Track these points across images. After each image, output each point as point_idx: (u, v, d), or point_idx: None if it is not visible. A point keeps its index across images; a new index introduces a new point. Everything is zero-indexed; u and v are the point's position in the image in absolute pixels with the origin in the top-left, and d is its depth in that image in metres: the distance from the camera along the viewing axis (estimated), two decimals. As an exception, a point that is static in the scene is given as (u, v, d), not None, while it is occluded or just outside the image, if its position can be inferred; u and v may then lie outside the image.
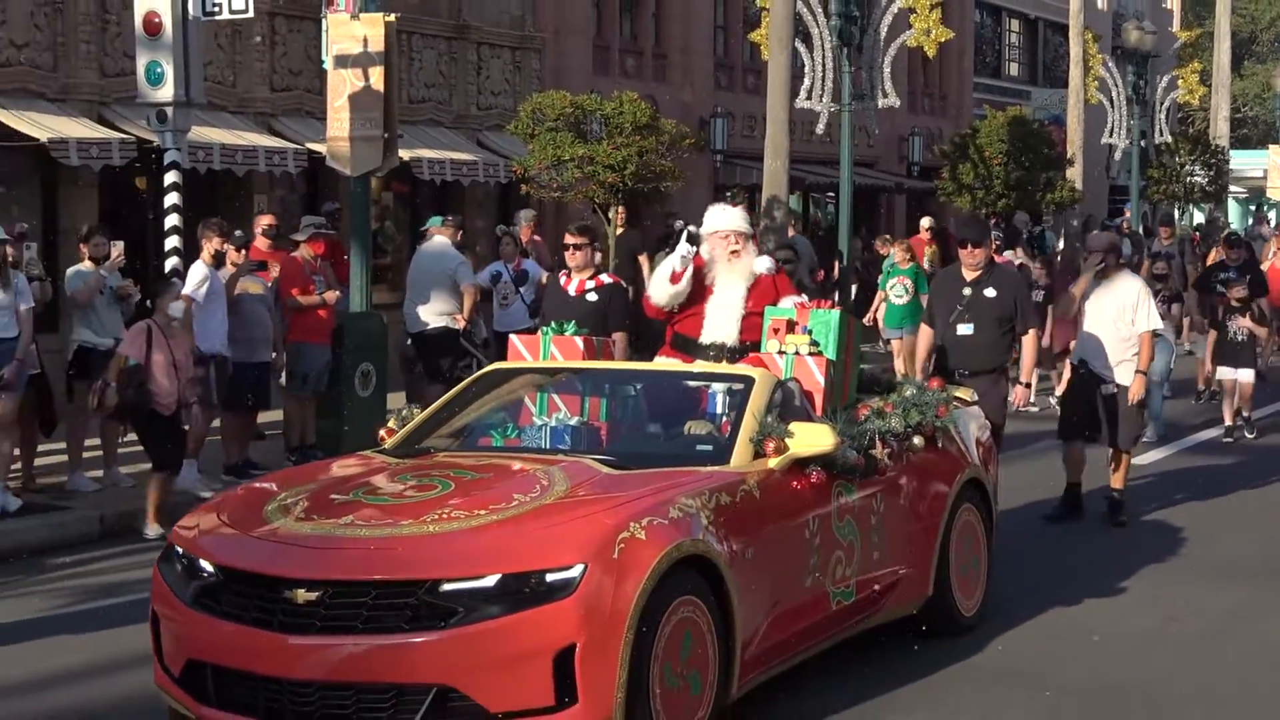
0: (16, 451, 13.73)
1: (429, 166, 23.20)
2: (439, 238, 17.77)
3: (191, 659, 7.42)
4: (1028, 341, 12.55)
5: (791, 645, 8.38)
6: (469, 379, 10.06)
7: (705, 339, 10.39)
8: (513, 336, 10.44)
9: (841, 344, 9.59)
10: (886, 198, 39.00)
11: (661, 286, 10.60)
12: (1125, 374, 13.18)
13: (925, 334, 12.77)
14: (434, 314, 17.17)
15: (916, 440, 9.45)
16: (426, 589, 7.01)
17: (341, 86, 16.10)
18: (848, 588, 8.81)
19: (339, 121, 16.18)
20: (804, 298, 10.33)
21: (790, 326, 9.57)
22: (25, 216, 17.88)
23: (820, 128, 26.72)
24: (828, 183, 32.90)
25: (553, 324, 10.33)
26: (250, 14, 15.65)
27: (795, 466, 8.41)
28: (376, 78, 15.95)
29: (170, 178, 15.33)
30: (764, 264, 10.65)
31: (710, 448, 8.65)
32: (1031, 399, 13.12)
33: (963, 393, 10.85)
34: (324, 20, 16.77)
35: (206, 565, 7.49)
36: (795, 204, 31.09)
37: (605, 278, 12.51)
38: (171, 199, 15.35)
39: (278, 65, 22.35)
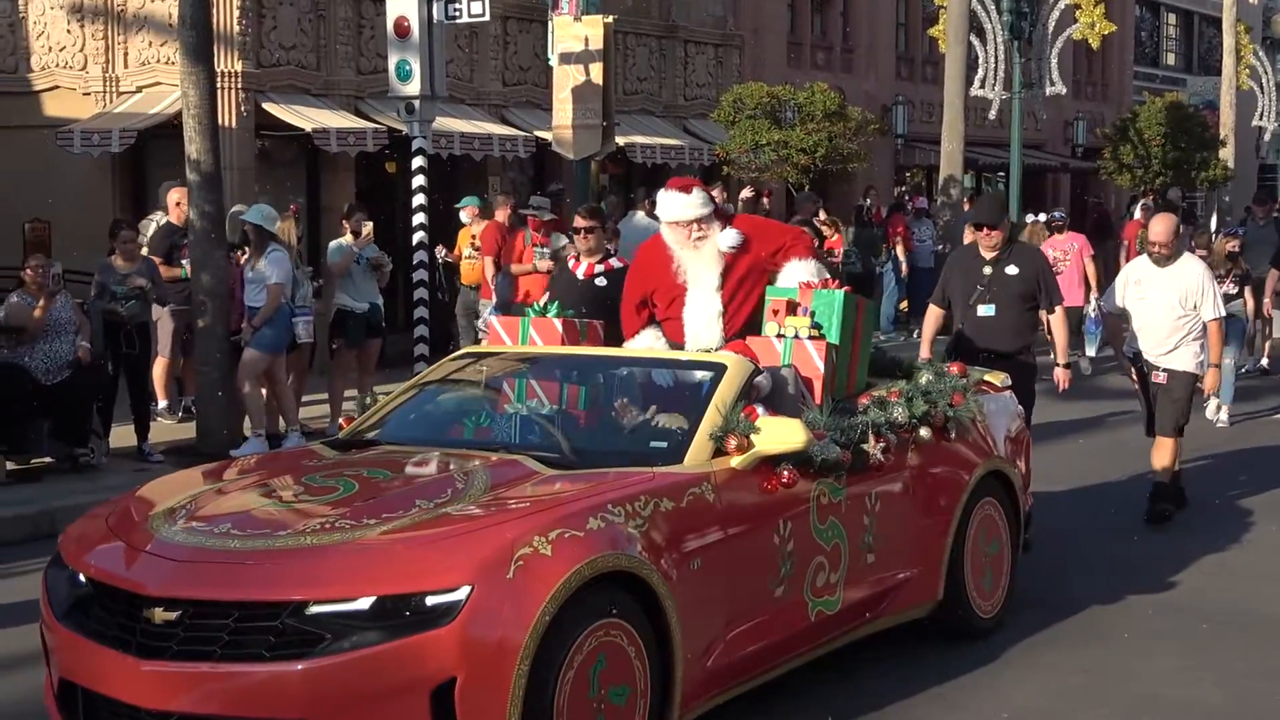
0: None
1: (641, 151, 23.27)
2: (639, 214, 17.83)
3: (63, 678, 6.00)
4: (1057, 320, 10.48)
5: (759, 661, 6.75)
6: (442, 361, 8.47)
7: (690, 346, 8.24)
8: (492, 318, 9.10)
9: (847, 327, 7.79)
10: (1052, 177, 38.33)
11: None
12: (1176, 360, 10.94)
13: (934, 315, 10.74)
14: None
15: (923, 432, 7.76)
16: (291, 611, 5.44)
17: (565, 80, 16.24)
18: (832, 596, 7.15)
19: (563, 111, 16.33)
20: (804, 267, 8.08)
21: (791, 307, 7.81)
22: (294, 196, 18.30)
23: (992, 113, 26.47)
24: (998, 163, 32.35)
25: (535, 305, 8.67)
26: (486, 18, 15.87)
27: (764, 465, 6.77)
28: (596, 72, 16.06)
29: (417, 162, 15.61)
30: (729, 239, 8.22)
31: (665, 444, 6.93)
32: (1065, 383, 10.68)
33: (994, 377, 9.02)
34: (550, 22, 16.92)
35: (81, 576, 6.05)
36: (969, 183, 30.67)
37: (615, 262, 10.53)
38: (418, 181, 15.62)
39: (509, 62, 22.53)
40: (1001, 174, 34.40)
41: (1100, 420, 15.53)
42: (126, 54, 19.38)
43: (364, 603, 5.44)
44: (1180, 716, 7.08)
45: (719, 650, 6.44)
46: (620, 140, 20.58)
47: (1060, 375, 10.54)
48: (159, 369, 14.11)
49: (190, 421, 13.77)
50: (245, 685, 5.43)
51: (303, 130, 18.74)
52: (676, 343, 8.28)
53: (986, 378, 8.93)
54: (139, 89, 19.20)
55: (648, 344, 8.36)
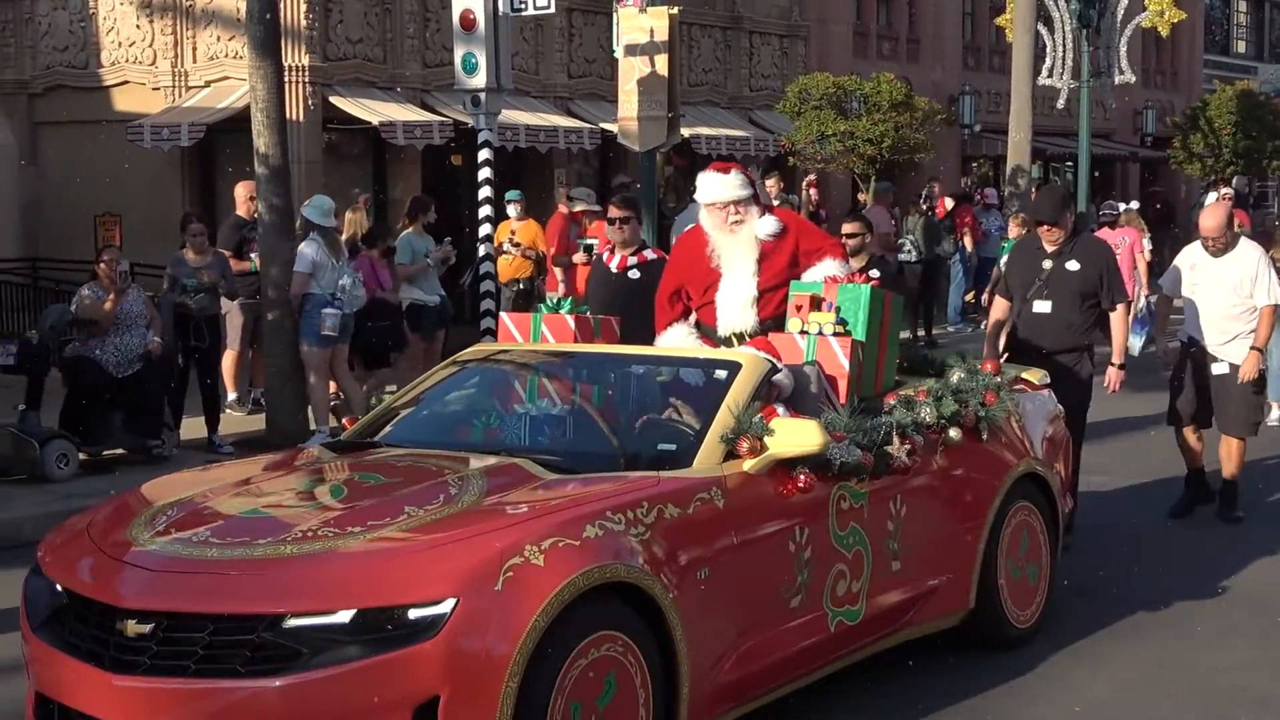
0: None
1: (706, 142, 23.23)
2: (697, 202, 17.80)
3: (39, 691, 5.70)
4: (1117, 318, 9.80)
5: (775, 674, 6.36)
6: (449, 360, 7.93)
7: (722, 331, 7.88)
8: (504, 314, 8.54)
9: (874, 323, 7.35)
10: (1121, 166, 37.99)
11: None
12: (1238, 351, 10.48)
13: (999, 307, 10.16)
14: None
15: (953, 433, 7.29)
16: (268, 625, 5.11)
17: (631, 72, 16.18)
18: (854, 606, 6.74)
19: (629, 103, 16.27)
20: (835, 265, 7.72)
21: (816, 303, 7.38)
22: (361, 189, 18.39)
23: (1060, 103, 26.19)
24: (1067, 153, 32.09)
25: (549, 300, 8.35)
26: (551, 10, 15.85)
27: (779, 469, 6.39)
28: (662, 64, 15.99)
29: (483, 155, 15.61)
30: (768, 226, 7.89)
31: (674, 447, 6.54)
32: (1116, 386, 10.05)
33: (1032, 375, 8.62)
34: (615, 14, 16.86)
35: (58, 585, 5.75)
36: (1036, 173, 30.42)
37: (649, 253, 10.17)
38: (484, 173, 15.63)
39: (574, 55, 22.56)
40: (1070, 163, 34.13)
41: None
42: (195, 49, 19.54)
43: (344, 616, 5.11)
44: (1260, 710, 6.87)
45: (730, 663, 6.07)
46: (685, 132, 20.53)
47: (1112, 375, 9.92)
48: (228, 361, 14.20)
49: (260, 413, 13.85)
50: (219, 703, 5.09)
51: (369, 123, 18.84)
52: (710, 326, 7.95)
53: (1025, 375, 8.53)
54: (207, 83, 19.36)
55: (678, 341, 7.99)
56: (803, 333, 7.24)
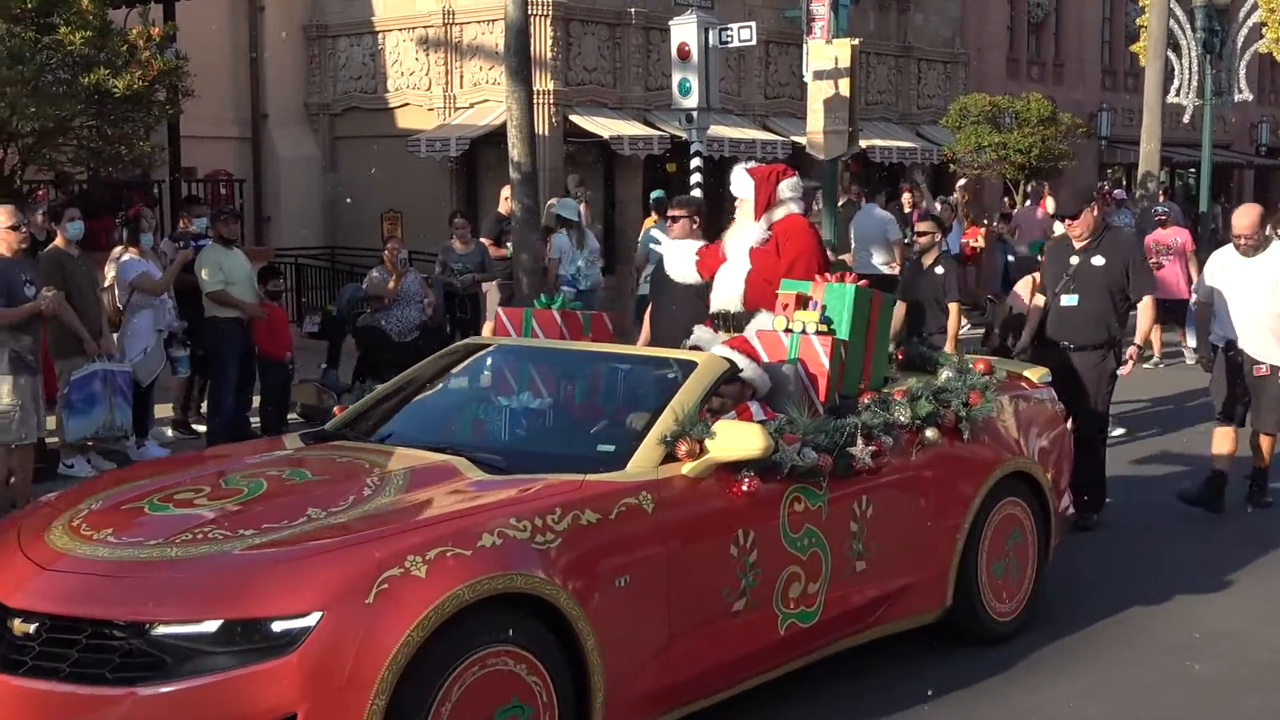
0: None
1: (879, 152, 22.95)
2: (875, 207, 17.53)
3: None
4: (1144, 307, 8.60)
5: (714, 678, 5.35)
6: (440, 353, 6.95)
7: (713, 307, 7.01)
8: (499, 309, 7.52)
9: (859, 322, 6.29)
10: (1238, 172, 36.60)
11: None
12: (1276, 353, 8.95)
13: (1038, 303, 9.02)
14: (877, 262, 17.00)
15: (929, 433, 6.21)
16: (138, 631, 4.25)
17: (818, 93, 16.00)
18: (810, 608, 5.68)
19: (815, 119, 16.10)
20: (765, 317, 6.47)
21: (803, 301, 6.35)
22: (594, 191, 18.50)
23: (1186, 118, 25.35)
24: (1190, 161, 31.08)
25: (542, 297, 7.47)
26: (753, 42, 15.74)
27: (724, 472, 5.37)
28: (844, 86, 15.79)
29: (695, 163, 15.59)
30: (756, 234, 7.03)
31: (612, 448, 5.43)
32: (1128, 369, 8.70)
33: (1033, 373, 7.49)
34: (805, 45, 16.70)
35: None
36: (1163, 178, 29.42)
37: None
38: (695, 179, 15.61)
39: (770, 79, 22.39)
40: (1193, 170, 33.04)
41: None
42: (462, 77, 19.82)
43: (210, 625, 4.22)
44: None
45: (657, 670, 5.08)
46: (863, 143, 20.26)
47: (1129, 353, 8.59)
48: (487, 330, 14.33)
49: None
50: (83, 710, 4.21)
51: (601, 137, 18.93)
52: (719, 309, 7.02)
53: (1026, 373, 7.44)
54: (471, 105, 19.63)
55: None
56: (787, 330, 6.20)
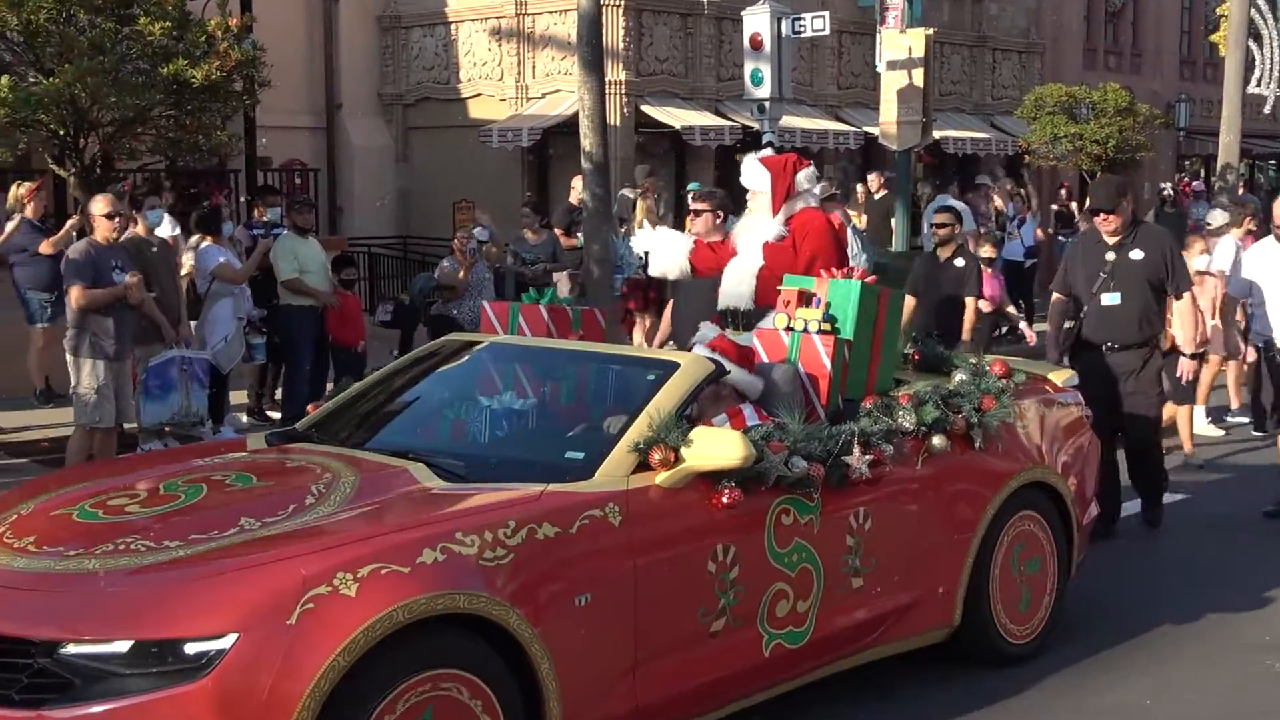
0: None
1: (953, 143, 22.74)
2: (943, 195, 17.42)
3: None
4: (1183, 308, 8.15)
5: (688, 702, 4.96)
6: (419, 350, 6.51)
7: (721, 303, 6.64)
8: (485, 304, 7.07)
9: (866, 321, 5.83)
10: (1320, 163, 35.96)
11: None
12: None
13: (1059, 304, 8.39)
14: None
15: (936, 441, 5.75)
16: (45, 651, 3.94)
17: (891, 84, 15.95)
18: (799, 627, 5.28)
19: (889, 110, 16.06)
20: (774, 317, 5.95)
21: (805, 298, 5.89)
22: (664, 182, 18.50)
23: (1266, 109, 25.00)
24: (1270, 152, 30.61)
25: (530, 291, 7.07)
26: (826, 32, 15.68)
27: (703, 482, 4.96)
28: (918, 76, 15.73)
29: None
30: (773, 231, 6.66)
31: (581, 456, 5.04)
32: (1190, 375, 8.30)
33: (1058, 375, 6.98)
34: (879, 35, 16.63)
35: None
36: (1242, 170, 28.95)
37: None
38: (767, 169, 15.56)
39: (843, 69, 22.25)
40: (1273, 161, 32.51)
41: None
42: (534, 67, 19.87)
43: (121, 645, 3.91)
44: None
45: (623, 694, 4.73)
46: (936, 134, 20.11)
47: (1186, 366, 8.33)
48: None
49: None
50: None
51: (673, 127, 18.91)
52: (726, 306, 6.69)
53: (1049, 375, 6.93)
54: (543, 95, 19.67)
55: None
56: (788, 329, 5.78)
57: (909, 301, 9.85)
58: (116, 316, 8.93)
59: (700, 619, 4.97)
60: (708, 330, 6.30)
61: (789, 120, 18.96)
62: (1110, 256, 8.08)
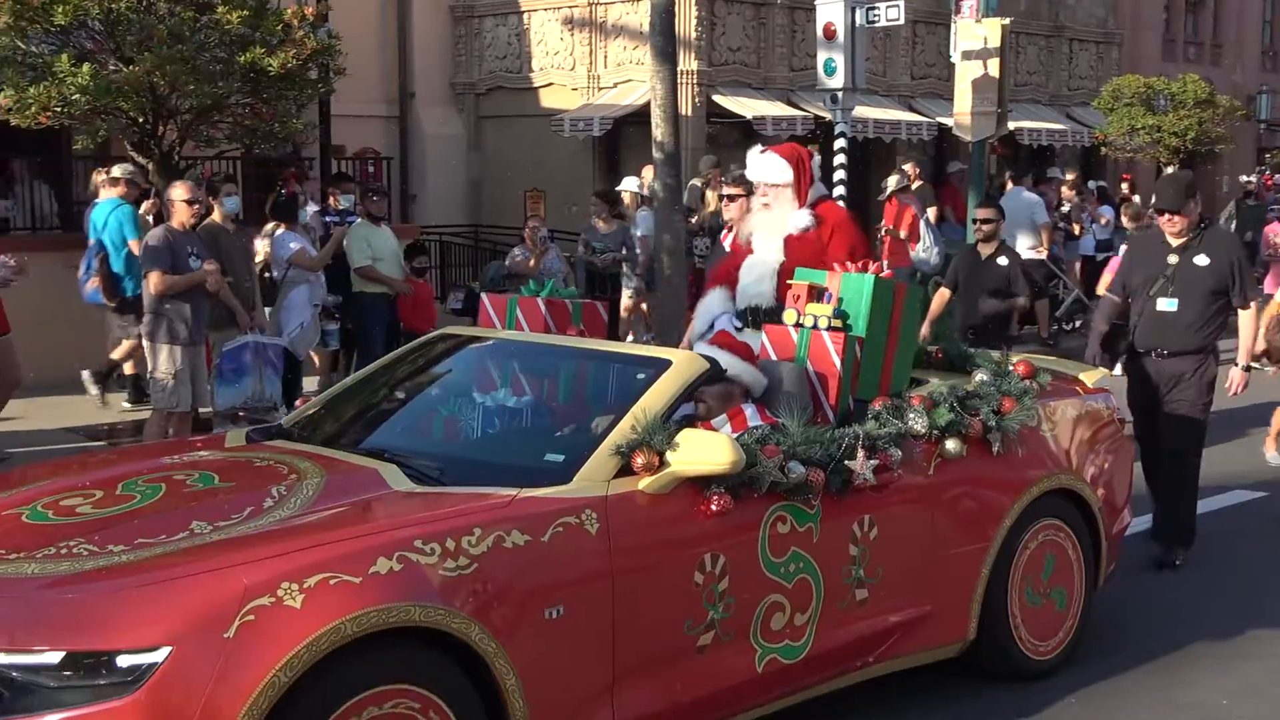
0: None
1: (1028, 134, 22.51)
2: (1018, 187, 17.24)
3: None
4: (1246, 318, 7.65)
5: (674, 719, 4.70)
6: (412, 345, 6.19)
7: (739, 304, 6.20)
8: (483, 297, 6.77)
9: (880, 317, 5.53)
10: (1406, 157, 35.24)
11: None
12: None
13: (1108, 305, 8.01)
14: (1023, 246, 16.76)
15: (950, 445, 5.48)
16: None
17: (966, 74, 15.79)
18: (797, 641, 5.03)
19: (963, 100, 15.90)
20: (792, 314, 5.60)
21: (815, 293, 5.60)
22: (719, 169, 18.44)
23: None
24: (1356, 145, 30.04)
25: (530, 284, 6.69)
26: (900, 22, 15.54)
27: (691, 487, 4.71)
28: (993, 67, 15.56)
29: (839, 144, 15.46)
30: (800, 221, 6.30)
31: (561, 458, 4.80)
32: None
33: (1089, 375, 6.67)
34: (953, 24, 16.47)
35: None
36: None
37: None
38: (839, 160, 15.49)
39: (917, 59, 22.08)
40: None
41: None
42: (606, 57, 19.89)
43: (52, 657, 3.69)
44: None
45: (599, 711, 4.48)
46: (1011, 125, 19.91)
47: (1236, 376, 7.72)
48: (624, 310, 14.50)
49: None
50: None
51: (744, 117, 18.86)
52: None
53: (1081, 376, 6.62)
54: (615, 84, 19.69)
55: (712, 307, 6.31)
56: (797, 325, 5.51)
57: (944, 293, 9.74)
58: (193, 302, 9.06)
59: (686, 632, 4.72)
60: (712, 297, 6.25)
61: (861, 111, 18.84)
62: (1172, 260, 7.66)
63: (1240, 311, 7.65)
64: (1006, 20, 15.81)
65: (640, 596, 4.55)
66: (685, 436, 4.68)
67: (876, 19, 15.12)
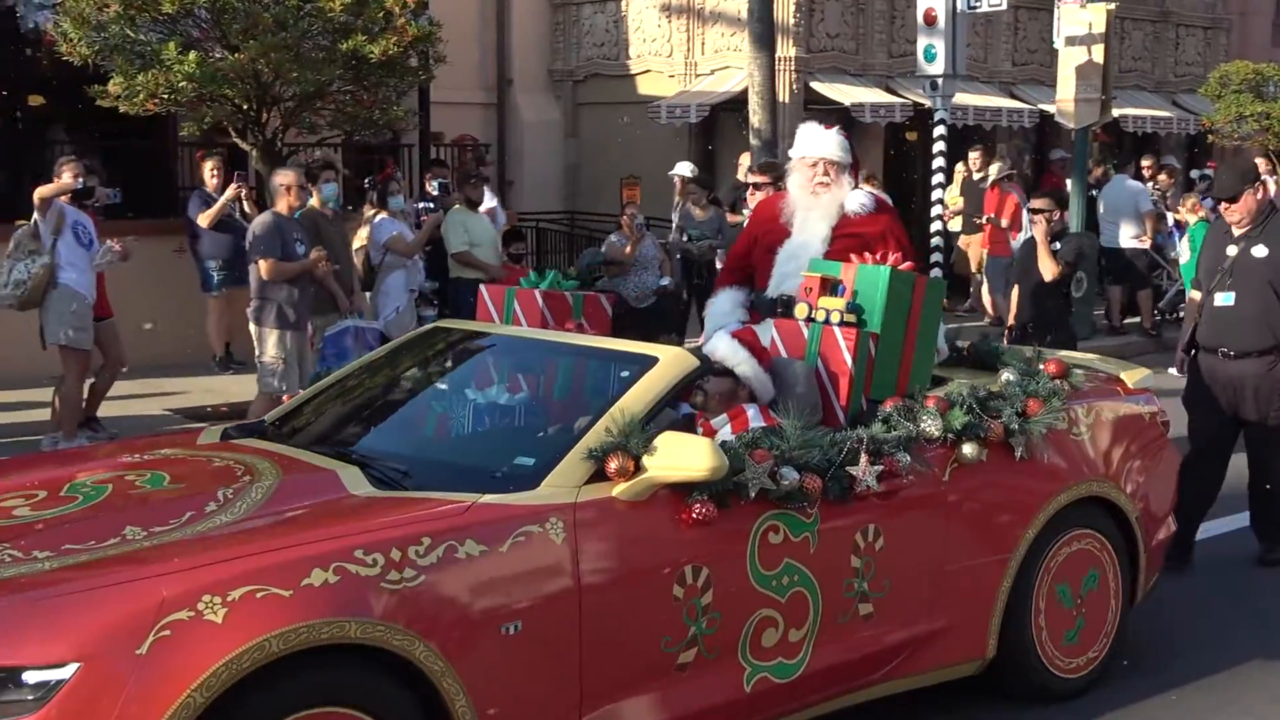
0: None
1: (1133, 121, 22.10)
2: (1126, 178, 16.98)
3: None
4: None
5: None
6: (402, 338, 5.94)
7: (771, 292, 5.83)
8: (481, 288, 6.39)
9: (897, 312, 5.20)
10: None
11: None
12: None
13: (1195, 301, 7.57)
14: (1126, 235, 16.53)
15: (967, 449, 5.11)
16: None
17: (1070, 60, 15.58)
18: (791, 660, 4.71)
19: (1066, 86, 15.69)
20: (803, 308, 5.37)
21: (829, 286, 5.28)
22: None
23: None
24: None
25: (530, 275, 6.42)
26: (1002, 7, 15.39)
27: (672, 494, 4.42)
28: (1097, 53, 15.33)
29: (938, 131, 15.33)
30: (858, 199, 5.95)
31: (531, 462, 4.51)
32: None
33: (1131, 375, 6.17)
34: (1057, 9, 16.24)
35: None
36: None
37: None
38: (938, 147, 15.34)
39: (1018, 45, 21.76)
40: None
41: None
42: (703, 44, 19.83)
43: None
44: None
45: None
46: (1115, 112, 19.55)
47: None
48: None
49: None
50: None
51: (842, 104, 18.71)
52: (760, 291, 6.01)
53: (1122, 375, 6.17)
54: (712, 71, 19.62)
55: (723, 309, 6.07)
56: (809, 320, 5.19)
57: (1013, 291, 9.37)
58: (299, 287, 9.19)
59: (664, 649, 4.41)
60: (723, 298, 6.00)
61: (961, 98, 18.60)
62: (1231, 251, 7.21)
63: None
64: (1112, 5, 15.56)
65: (612, 611, 4.27)
66: (664, 440, 4.36)
67: (978, 5, 14.98)
